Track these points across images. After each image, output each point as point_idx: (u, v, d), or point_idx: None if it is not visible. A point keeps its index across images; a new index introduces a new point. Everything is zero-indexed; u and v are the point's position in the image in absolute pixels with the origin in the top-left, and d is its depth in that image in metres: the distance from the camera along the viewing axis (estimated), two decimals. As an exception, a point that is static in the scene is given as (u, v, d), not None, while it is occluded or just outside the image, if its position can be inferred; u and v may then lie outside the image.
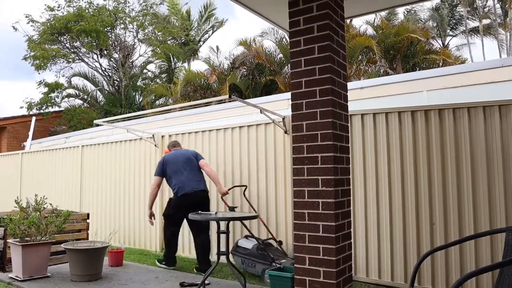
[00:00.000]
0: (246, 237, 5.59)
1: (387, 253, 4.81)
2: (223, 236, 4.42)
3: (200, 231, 5.60)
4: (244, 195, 5.92)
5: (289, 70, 13.24)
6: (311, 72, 3.90)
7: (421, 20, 21.09)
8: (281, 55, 14.60)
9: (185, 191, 5.51)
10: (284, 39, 14.72)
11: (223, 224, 4.46)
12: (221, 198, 5.84)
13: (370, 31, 16.68)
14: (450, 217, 4.48)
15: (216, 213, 4.78)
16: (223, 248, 4.47)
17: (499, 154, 4.30)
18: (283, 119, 5.62)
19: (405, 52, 15.83)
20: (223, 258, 4.42)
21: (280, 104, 7.57)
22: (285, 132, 5.64)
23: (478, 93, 5.83)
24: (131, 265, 6.04)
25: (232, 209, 5.64)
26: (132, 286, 4.83)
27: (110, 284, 4.92)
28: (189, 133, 6.95)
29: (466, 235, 4.30)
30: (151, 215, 5.89)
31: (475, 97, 5.09)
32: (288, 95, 7.65)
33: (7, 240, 5.57)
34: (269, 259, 5.02)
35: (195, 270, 5.55)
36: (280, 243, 5.56)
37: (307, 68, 3.93)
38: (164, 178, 5.78)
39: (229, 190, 5.79)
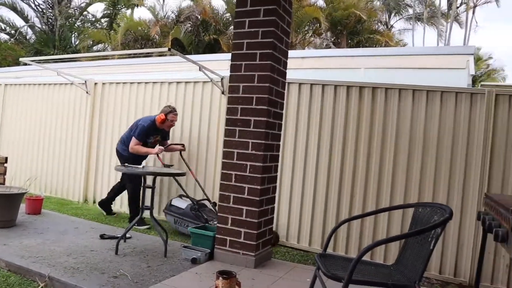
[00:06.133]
0: (180, 196, 5.45)
1: (307, 220, 5.00)
2: (148, 191, 4.36)
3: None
4: (181, 155, 5.77)
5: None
6: (254, 35, 3.86)
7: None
8: (228, 15, 14.27)
9: None
10: (233, -1, 14.39)
11: (149, 179, 4.40)
12: (157, 156, 5.68)
13: (321, 2, 16.70)
14: (370, 191, 4.73)
15: (143, 167, 4.69)
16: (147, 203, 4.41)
17: (421, 137, 4.55)
18: (222, 79, 5.55)
19: (351, 29, 16.10)
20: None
21: (221, 64, 7.44)
22: (222, 92, 5.58)
23: (410, 76, 6.08)
24: (50, 214, 5.82)
25: (167, 167, 5.63)
26: (49, 235, 4.66)
27: (25, 232, 4.72)
28: (124, 83, 6.66)
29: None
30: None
31: (407, 80, 5.29)
32: (230, 56, 7.54)
33: None
34: (203, 220, 4.94)
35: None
36: (214, 204, 5.34)
37: (251, 30, 3.89)
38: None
39: (166, 147, 5.67)
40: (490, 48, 48.10)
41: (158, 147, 5.57)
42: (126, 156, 5.55)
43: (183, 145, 5.72)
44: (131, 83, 6.58)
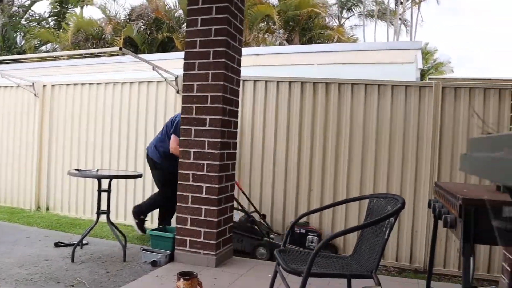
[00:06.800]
0: None
1: (267, 214, 5.03)
2: (104, 195, 4.24)
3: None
4: None
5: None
6: (207, 32, 3.83)
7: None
8: (181, 12, 14.08)
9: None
10: (186, -4, 14.21)
11: (105, 183, 4.28)
12: None
13: (274, -1, 16.81)
14: (327, 184, 4.83)
15: (97, 170, 4.55)
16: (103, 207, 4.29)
17: (374, 130, 4.69)
18: (176, 78, 5.47)
19: (303, 25, 16.31)
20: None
21: (175, 63, 7.31)
22: (177, 92, 5.51)
23: (362, 71, 6.25)
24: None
25: None
26: (-1, 246, 4.45)
27: (-28, 244, 4.49)
28: (74, 84, 6.42)
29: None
30: None
31: (359, 75, 5.43)
32: (183, 54, 7.45)
33: None
34: (259, 234, 4.46)
35: None
36: (263, 216, 4.91)
37: (203, 28, 3.85)
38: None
39: None
40: (435, 43, 50.25)
41: None
42: (165, 165, 4.82)
43: None
44: (82, 84, 6.36)
